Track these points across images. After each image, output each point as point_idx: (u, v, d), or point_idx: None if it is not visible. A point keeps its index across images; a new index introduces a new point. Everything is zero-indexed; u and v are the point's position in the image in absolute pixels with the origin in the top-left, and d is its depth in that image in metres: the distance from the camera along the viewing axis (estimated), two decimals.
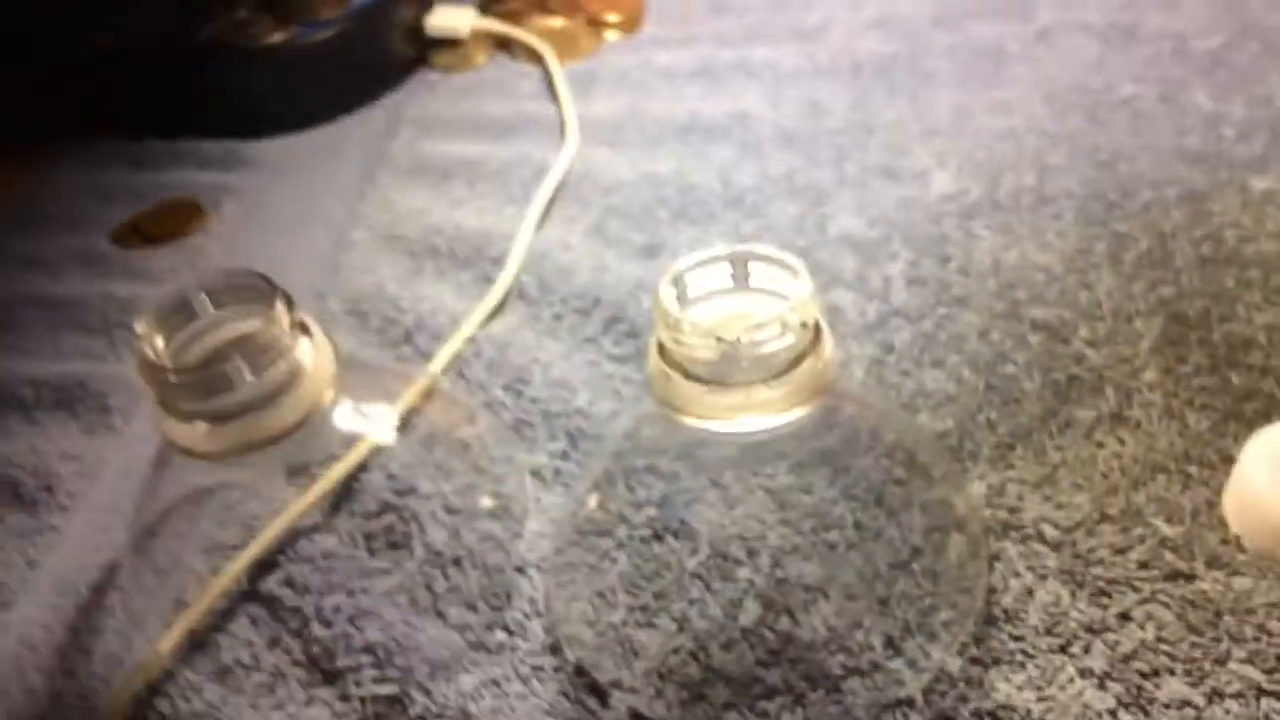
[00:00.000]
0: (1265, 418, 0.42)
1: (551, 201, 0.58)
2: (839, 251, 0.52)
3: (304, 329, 0.34)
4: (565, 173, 0.59)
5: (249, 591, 0.41)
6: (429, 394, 0.44)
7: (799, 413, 0.32)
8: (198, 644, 0.39)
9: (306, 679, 0.38)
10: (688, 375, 0.31)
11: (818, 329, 0.32)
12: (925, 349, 0.47)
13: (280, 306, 0.33)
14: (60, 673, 0.39)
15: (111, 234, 0.60)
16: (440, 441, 0.44)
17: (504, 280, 0.52)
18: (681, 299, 0.33)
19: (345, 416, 0.37)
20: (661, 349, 0.32)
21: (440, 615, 0.40)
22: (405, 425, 0.43)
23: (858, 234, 0.53)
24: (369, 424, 0.40)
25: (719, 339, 0.30)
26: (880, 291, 0.50)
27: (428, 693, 0.38)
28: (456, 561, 0.41)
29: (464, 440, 0.45)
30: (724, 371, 0.31)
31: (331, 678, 0.38)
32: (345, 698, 0.38)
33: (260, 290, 0.34)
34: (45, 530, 0.45)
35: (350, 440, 0.43)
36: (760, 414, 0.32)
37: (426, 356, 0.49)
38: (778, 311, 0.31)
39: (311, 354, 0.34)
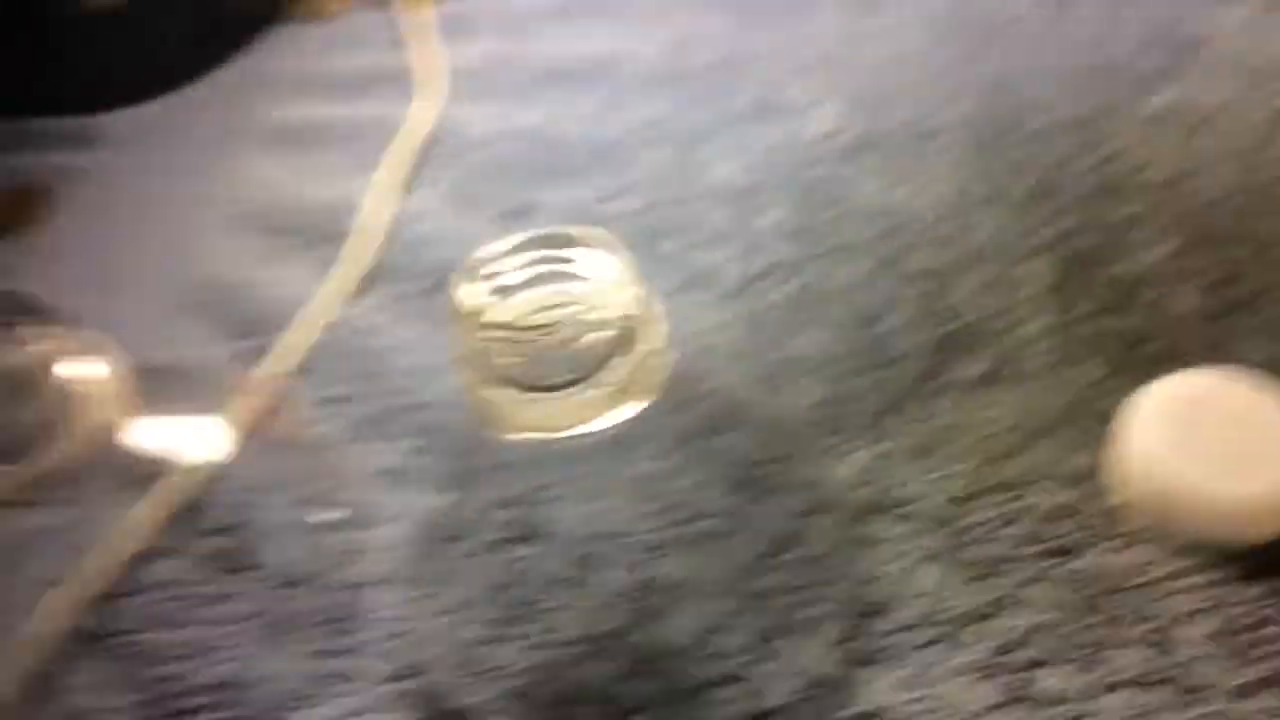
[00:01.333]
0: (1157, 364, 0.40)
1: (414, 164, 0.54)
2: (712, 204, 0.49)
3: (80, 350, 0.31)
4: (427, 132, 0.55)
5: (86, 632, 0.38)
6: (269, 398, 0.41)
7: (635, 408, 0.29)
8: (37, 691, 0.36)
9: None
10: (501, 382, 0.28)
11: (644, 317, 0.29)
12: (799, 309, 0.44)
13: (42, 333, 0.30)
14: None
15: None
16: (282, 450, 0.41)
17: (357, 260, 0.48)
18: (499, 292, 0.30)
19: (152, 434, 0.34)
20: (471, 358, 0.29)
21: (290, 643, 0.37)
22: (244, 434, 0.40)
23: (732, 182, 0.50)
24: (192, 438, 0.37)
25: (522, 336, 0.27)
26: (754, 246, 0.47)
27: None
28: (304, 581, 0.38)
29: (309, 445, 0.42)
30: (537, 375, 0.28)
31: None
32: None
33: (28, 312, 0.31)
34: None
35: (179, 456, 0.39)
36: (588, 420, 0.29)
37: (273, 350, 0.46)
38: (578, 305, 0.27)
39: (89, 377, 0.30)
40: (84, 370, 0.31)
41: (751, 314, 0.44)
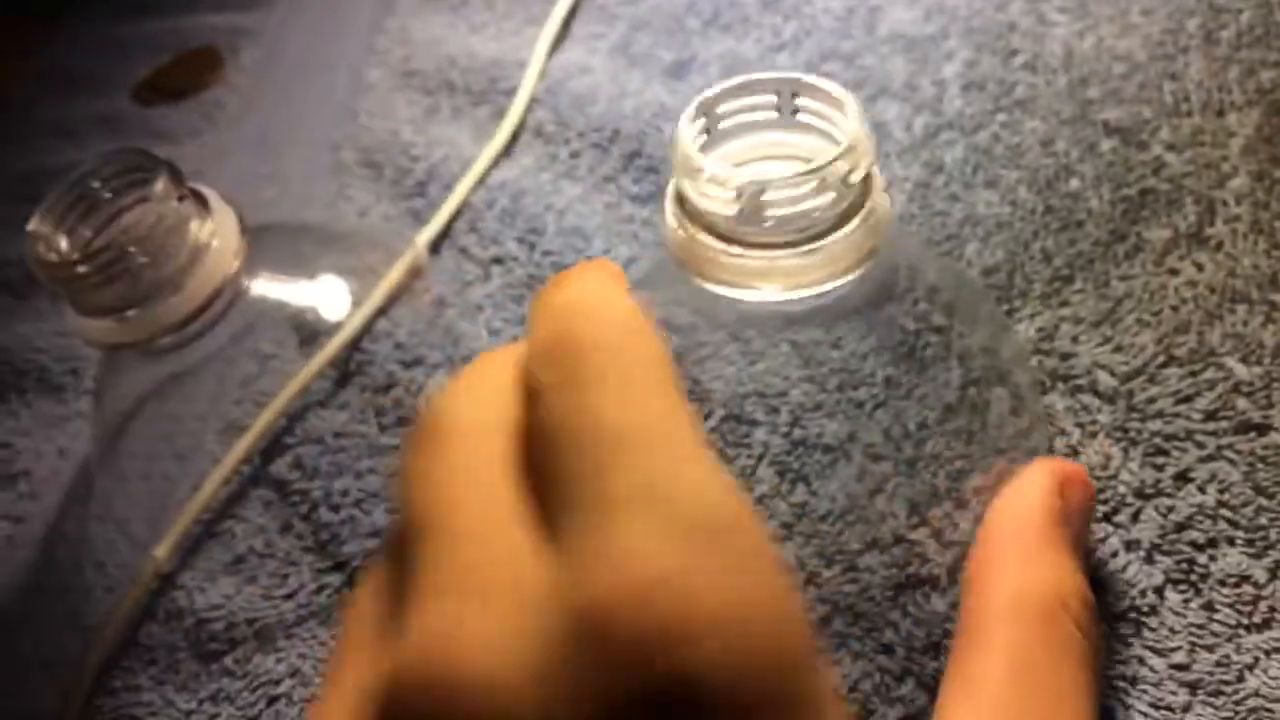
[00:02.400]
0: None
1: (571, 18, 0.53)
2: (888, 54, 0.46)
3: (201, 201, 0.32)
4: None
5: (258, 475, 0.40)
6: (418, 264, 0.42)
7: (837, 284, 0.27)
8: (207, 535, 0.39)
9: (317, 563, 0.38)
10: (707, 229, 0.27)
11: (868, 183, 0.26)
12: (979, 166, 0.41)
13: (166, 185, 0.30)
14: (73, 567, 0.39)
15: (132, 92, 0.58)
16: (442, 310, 0.42)
17: (513, 117, 0.48)
18: (712, 137, 0.28)
19: (270, 288, 0.35)
20: (680, 197, 0.27)
21: None
22: (399, 296, 0.41)
23: (911, 30, 0.47)
24: (313, 296, 0.38)
25: (738, 190, 0.25)
26: (932, 100, 0.44)
27: None
28: None
29: (470, 305, 0.42)
30: (745, 230, 0.26)
31: (341, 564, 0.37)
32: (355, 584, 0.37)
33: (148, 169, 0.32)
34: (73, 417, 0.45)
35: (347, 312, 0.40)
36: (786, 285, 0.27)
37: (436, 210, 0.46)
38: (815, 162, 0.25)
39: (210, 230, 0.31)
40: (210, 226, 0.32)
41: (924, 176, 0.42)
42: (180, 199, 0.31)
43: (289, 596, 0.37)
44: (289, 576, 0.38)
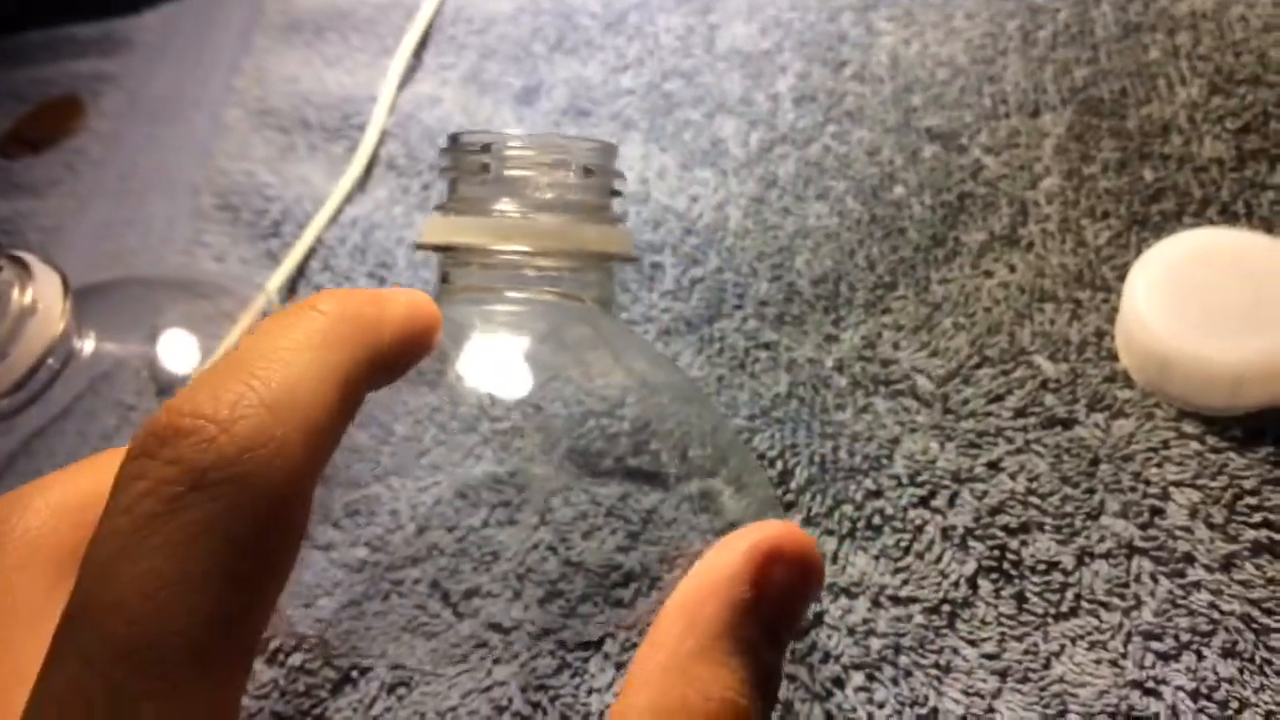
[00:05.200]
0: (1176, 220, 0.38)
1: (422, 48, 0.53)
2: (725, 71, 0.48)
3: (22, 267, 0.33)
4: (433, 13, 0.54)
5: None
6: (270, 309, 0.42)
7: (568, 268, 0.28)
8: None
9: None
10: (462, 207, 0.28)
11: (611, 196, 0.28)
12: (810, 179, 0.43)
13: None
14: None
15: None
16: None
17: (364, 152, 0.49)
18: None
19: (109, 345, 0.35)
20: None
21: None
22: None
23: (748, 46, 0.48)
24: (161, 348, 0.39)
25: (485, 145, 0.27)
26: (767, 115, 0.45)
27: None
28: None
29: None
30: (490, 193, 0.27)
31: None
32: None
33: None
34: None
35: (196, 363, 0.41)
36: (530, 242, 0.28)
37: (291, 250, 0.47)
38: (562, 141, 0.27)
39: (33, 295, 0.32)
40: (37, 293, 0.32)
41: (758, 191, 0.43)
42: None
43: None
44: None
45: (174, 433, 0.19)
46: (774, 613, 0.21)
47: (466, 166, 0.27)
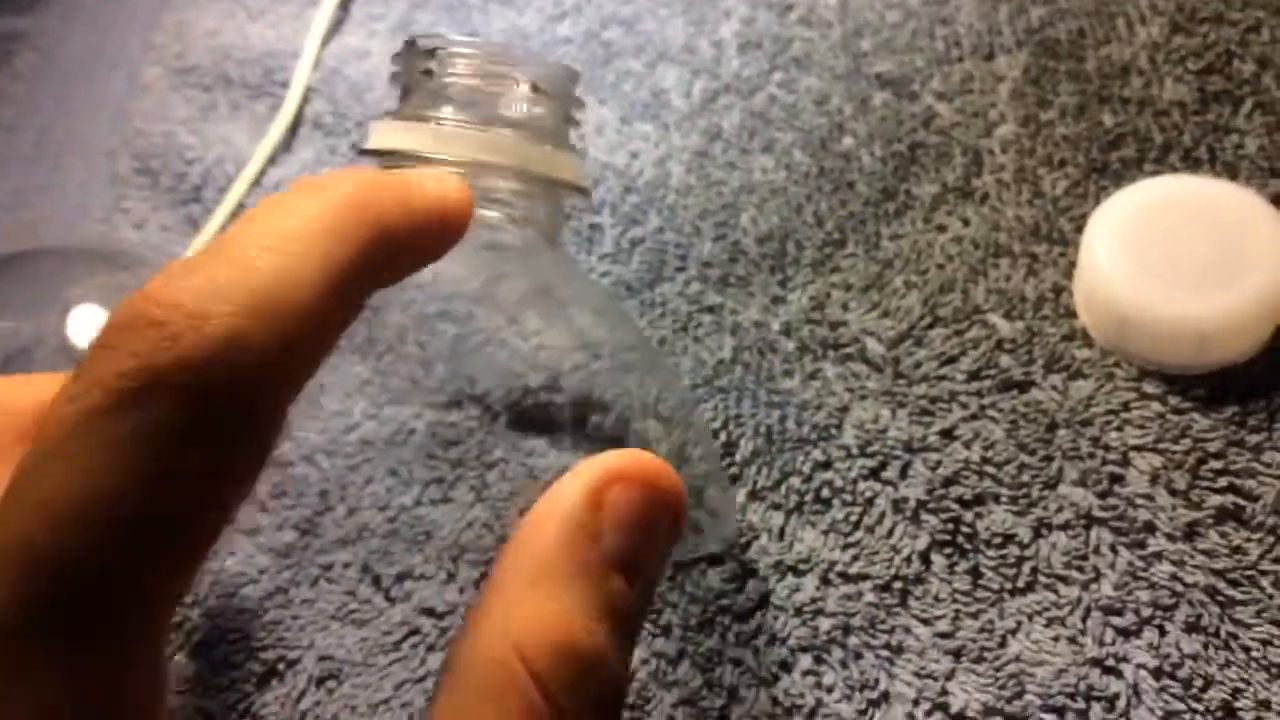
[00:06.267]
0: (1137, 168, 0.36)
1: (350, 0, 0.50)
2: (668, 17, 0.45)
3: None
4: None
5: None
6: None
7: (511, 191, 0.26)
8: None
9: None
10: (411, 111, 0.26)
11: (566, 123, 0.27)
12: (755, 131, 0.40)
13: None
14: None
15: None
16: None
17: (288, 110, 0.46)
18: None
19: (22, 322, 0.33)
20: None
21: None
22: None
23: None
24: (72, 324, 0.37)
25: (432, 50, 0.26)
26: (710, 63, 0.43)
27: None
28: None
29: None
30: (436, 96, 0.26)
31: None
32: None
33: None
34: None
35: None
36: (468, 151, 0.26)
37: (212, 215, 0.44)
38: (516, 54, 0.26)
39: None
40: None
41: (702, 144, 0.41)
42: None
43: None
44: None
45: (142, 322, 0.17)
46: (621, 540, 0.20)
47: (412, 70, 0.26)
